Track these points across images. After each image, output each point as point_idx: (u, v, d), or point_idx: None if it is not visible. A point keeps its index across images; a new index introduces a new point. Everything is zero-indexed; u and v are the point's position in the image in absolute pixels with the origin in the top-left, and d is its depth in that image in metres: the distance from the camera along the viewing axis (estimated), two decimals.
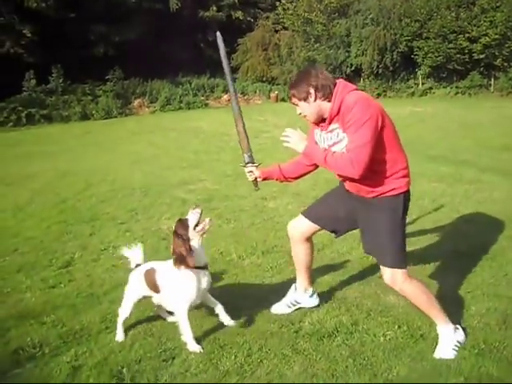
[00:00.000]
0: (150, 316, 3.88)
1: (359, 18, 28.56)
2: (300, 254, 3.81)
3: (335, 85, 3.18)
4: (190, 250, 3.29)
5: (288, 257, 4.87)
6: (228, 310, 3.85)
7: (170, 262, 3.39)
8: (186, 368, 3.18)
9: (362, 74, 28.74)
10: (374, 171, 3.13)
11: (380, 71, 28.02)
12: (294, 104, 3.31)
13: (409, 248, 4.89)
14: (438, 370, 3.00)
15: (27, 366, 3.31)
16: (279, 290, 4.18)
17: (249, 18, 32.72)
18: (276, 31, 31.48)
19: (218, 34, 3.74)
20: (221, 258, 5.00)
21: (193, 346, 3.36)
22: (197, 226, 3.35)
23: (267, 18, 32.70)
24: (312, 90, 3.17)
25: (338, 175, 3.39)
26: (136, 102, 26.54)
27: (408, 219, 5.80)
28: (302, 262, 3.83)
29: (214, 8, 31.45)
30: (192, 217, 3.36)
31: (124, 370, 3.18)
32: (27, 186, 9.25)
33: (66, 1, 24.29)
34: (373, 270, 4.49)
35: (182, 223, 3.37)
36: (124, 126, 19.08)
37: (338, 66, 28.58)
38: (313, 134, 3.43)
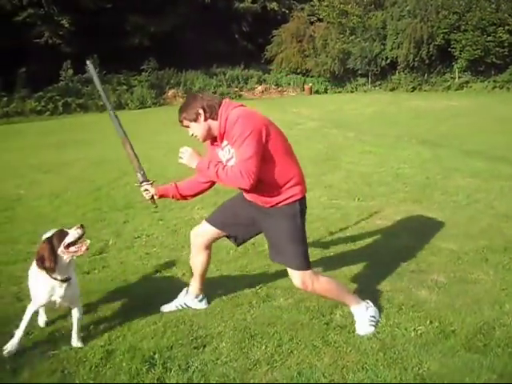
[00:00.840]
0: None
1: (396, 9, 28.22)
2: (199, 261, 3.86)
3: (220, 104, 3.36)
4: (53, 259, 3.22)
5: (318, 248, 4.89)
6: (259, 300, 3.90)
7: None
8: (217, 356, 3.21)
9: (398, 67, 28.42)
10: (265, 182, 3.31)
11: (416, 64, 27.64)
12: (185, 126, 3.45)
13: (442, 243, 4.88)
14: (469, 367, 2.96)
15: (63, 347, 3.39)
16: None
17: (284, 10, 32.59)
18: (311, 23, 31.32)
19: (88, 62, 3.84)
20: (252, 248, 5.01)
21: (12, 342, 3.30)
22: (72, 245, 3.26)
23: (302, 9, 32.54)
24: (201, 111, 3.33)
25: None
26: (170, 93, 26.75)
27: (441, 214, 5.79)
28: (198, 269, 3.89)
29: None
30: (71, 235, 3.26)
31: (156, 355, 3.23)
32: (63, 173, 9.44)
33: None
34: (405, 264, 4.48)
35: (60, 235, 3.27)
36: (158, 116, 19.27)
37: (373, 59, 28.32)
38: (213, 152, 3.54)
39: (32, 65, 22.28)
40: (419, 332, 3.36)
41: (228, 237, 3.81)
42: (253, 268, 4.54)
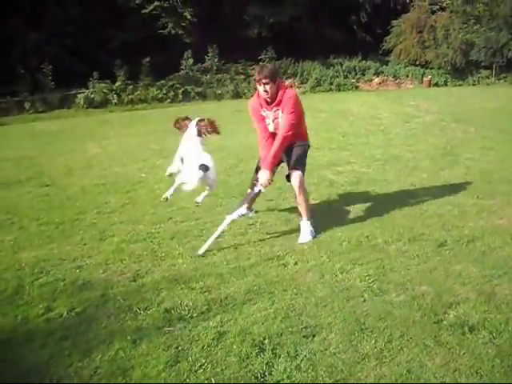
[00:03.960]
0: (293, 292, 3.98)
1: None
2: None
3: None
4: None
5: (435, 246, 4.75)
6: (371, 294, 3.86)
7: None
8: (326, 347, 3.23)
9: None
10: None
11: None
12: (264, 84, 5.06)
13: None
14: None
15: (177, 325, 3.57)
16: (424, 279, 4.10)
17: None
18: (432, 12, 30.09)
19: None
20: (366, 241, 4.96)
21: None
22: None
23: None
24: (277, 77, 5.19)
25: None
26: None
27: None
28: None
29: None
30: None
31: (266, 341, 3.31)
32: None
33: None
34: None
35: None
36: None
37: (499, 50, 26.72)
38: (259, 110, 5.33)
39: (155, 55, 23.23)
40: None
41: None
42: (366, 261, 4.49)
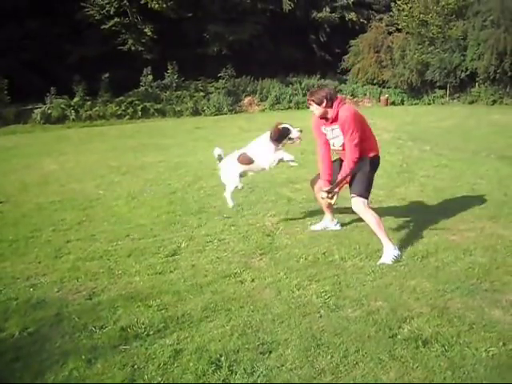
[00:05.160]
0: (250, 308, 3.99)
1: (478, 19, 27.33)
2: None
3: (336, 98, 5.18)
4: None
5: (391, 262, 4.83)
6: (327, 310, 3.89)
7: None
8: (282, 363, 3.24)
9: (477, 79, 27.52)
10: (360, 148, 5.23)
11: (497, 76, 26.64)
12: (309, 104, 5.29)
13: None
14: None
15: (134, 343, 3.52)
16: (379, 295, 4.16)
17: (362, 20, 32.33)
18: (389, 33, 30.90)
19: None
20: (323, 258, 5.01)
21: None
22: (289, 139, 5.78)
23: (381, 19, 32.16)
24: (325, 100, 5.13)
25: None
26: (246, 100, 27.04)
27: None
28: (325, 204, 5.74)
29: (327, 9, 31.31)
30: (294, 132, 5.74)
31: (222, 358, 3.29)
32: (141, 175, 9.74)
33: (184, 1, 25.21)
34: (478, 282, 4.35)
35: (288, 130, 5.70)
36: (234, 122, 19.49)
37: (452, 71, 27.58)
38: (319, 126, 5.43)
39: (114, 71, 23.12)
40: (491, 353, 3.25)
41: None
42: (322, 277, 4.53)
